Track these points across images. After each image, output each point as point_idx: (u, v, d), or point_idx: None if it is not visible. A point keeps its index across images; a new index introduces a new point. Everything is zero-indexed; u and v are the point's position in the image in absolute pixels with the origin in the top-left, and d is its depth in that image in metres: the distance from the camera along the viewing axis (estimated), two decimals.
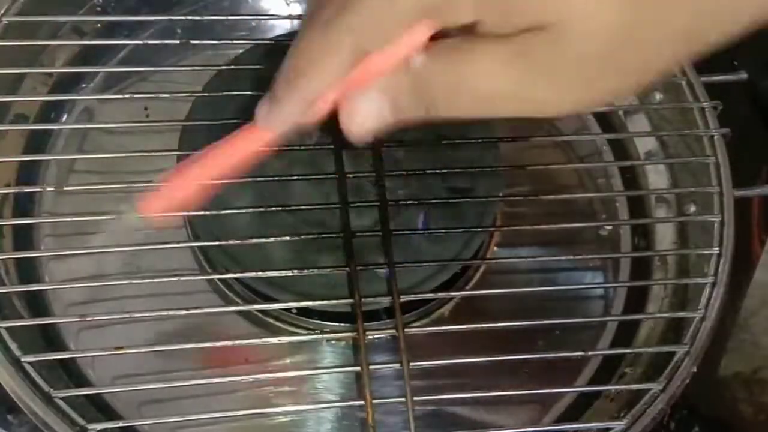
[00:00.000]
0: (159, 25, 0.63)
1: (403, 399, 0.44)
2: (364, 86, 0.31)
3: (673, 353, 0.49)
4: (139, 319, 0.47)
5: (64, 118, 0.60)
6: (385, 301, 0.48)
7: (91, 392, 0.48)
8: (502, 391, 0.47)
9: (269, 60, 0.57)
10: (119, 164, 0.54)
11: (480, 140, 0.55)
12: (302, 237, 0.50)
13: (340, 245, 0.50)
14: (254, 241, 0.50)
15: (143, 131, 0.56)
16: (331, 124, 0.32)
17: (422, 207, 0.53)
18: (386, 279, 0.49)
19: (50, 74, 0.59)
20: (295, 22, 0.65)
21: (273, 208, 0.51)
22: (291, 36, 0.61)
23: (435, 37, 0.30)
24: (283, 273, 0.49)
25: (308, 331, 0.52)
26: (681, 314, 0.51)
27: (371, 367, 0.45)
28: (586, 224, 0.58)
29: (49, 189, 0.56)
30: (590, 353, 0.53)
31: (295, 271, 0.49)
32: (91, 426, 0.44)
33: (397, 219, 0.52)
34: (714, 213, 0.53)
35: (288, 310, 0.52)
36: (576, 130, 0.63)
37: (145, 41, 0.60)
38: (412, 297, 0.51)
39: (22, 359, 0.45)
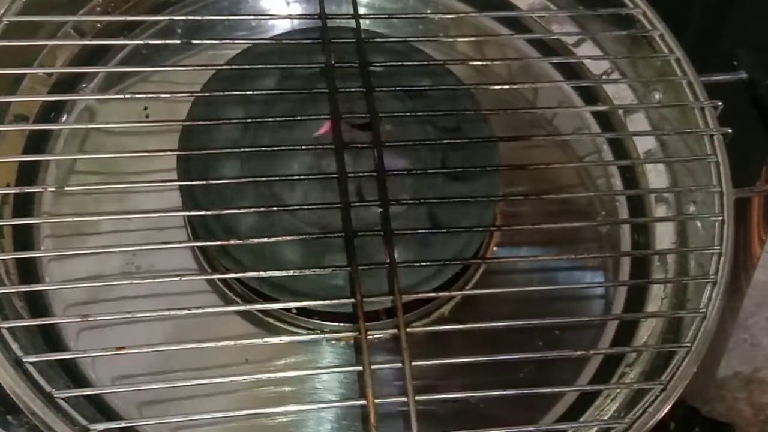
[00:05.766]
0: (159, 25, 0.63)
1: (404, 398, 0.44)
2: None
3: (673, 353, 0.49)
4: (140, 319, 0.47)
5: (64, 118, 0.59)
6: (387, 300, 0.48)
7: (92, 392, 0.48)
8: (502, 390, 0.47)
9: (268, 59, 0.57)
10: (119, 164, 0.54)
11: (480, 140, 0.55)
12: (303, 237, 0.50)
13: (341, 245, 0.49)
14: (255, 241, 0.50)
15: (143, 131, 0.56)
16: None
17: (423, 206, 0.53)
18: (387, 279, 0.48)
19: (50, 74, 0.59)
20: (296, 21, 0.65)
21: (274, 208, 0.51)
22: (291, 35, 0.61)
23: None
24: (284, 273, 0.49)
25: (308, 331, 0.52)
26: (681, 314, 0.51)
27: (373, 366, 0.45)
28: (586, 224, 0.58)
29: (49, 189, 0.56)
30: (591, 353, 0.53)
31: (296, 271, 0.49)
32: (92, 426, 0.44)
33: (398, 219, 0.52)
34: (714, 212, 0.53)
35: (288, 310, 0.52)
36: (576, 130, 0.63)
37: (145, 41, 0.60)
38: (414, 296, 0.51)
39: (24, 359, 0.45)
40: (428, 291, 0.51)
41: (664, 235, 0.58)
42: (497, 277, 0.56)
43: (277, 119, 0.54)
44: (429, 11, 0.68)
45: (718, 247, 0.51)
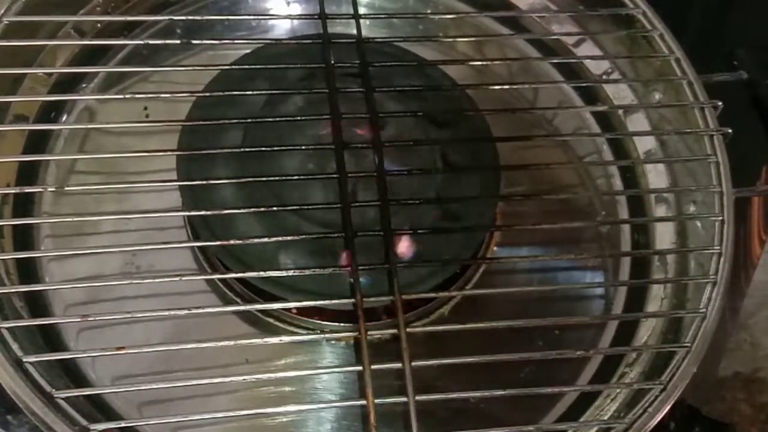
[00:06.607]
0: (159, 25, 0.63)
1: (404, 398, 0.44)
2: None
3: (673, 353, 0.49)
4: (140, 319, 0.47)
5: (64, 118, 0.60)
6: (387, 300, 0.48)
7: (92, 392, 0.48)
8: (502, 390, 0.47)
9: (268, 60, 0.57)
10: (119, 164, 0.54)
11: (480, 140, 0.55)
12: (303, 237, 0.50)
13: (341, 245, 0.49)
14: (255, 240, 0.50)
15: (143, 131, 0.56)
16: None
17: (423, 206, 0.53)
18: (387, 278, 0.48)
19: (50, 74, 0.59)
20: (296, 22, 0.65)
21: (274, 208, 0.51)
22: (291, 36, 0.61)
23: None
24: (284, 273, 0.49)
25: (308, 331, 0.52)
26: (681, 314, 0.51)
27: (372, 366, 0.45)
28: (585, 224, 0.58)
29: (49, 189, 0.56)
30: (591, 353, 0.53)
31: (296, 271, 0.49)
32: (92, 426, 0.43)
33: (398, 219, 0.52)
34: (714, 212, 0.53)
35: (288, 310, 0.52)
36: (576, 130, 0.63)
37: (145, 41, 0.60)
38: (414, 296, 0.51)
39: (24, 359, 0.45)
40: (428, 291, 0.51)
41: (664, 235, 0.58)
42: (497, 277, 0.56)
43: (278, 119, 0.54)
44: (429, 11, 0.68)
45: (718, 247, 0.51)
